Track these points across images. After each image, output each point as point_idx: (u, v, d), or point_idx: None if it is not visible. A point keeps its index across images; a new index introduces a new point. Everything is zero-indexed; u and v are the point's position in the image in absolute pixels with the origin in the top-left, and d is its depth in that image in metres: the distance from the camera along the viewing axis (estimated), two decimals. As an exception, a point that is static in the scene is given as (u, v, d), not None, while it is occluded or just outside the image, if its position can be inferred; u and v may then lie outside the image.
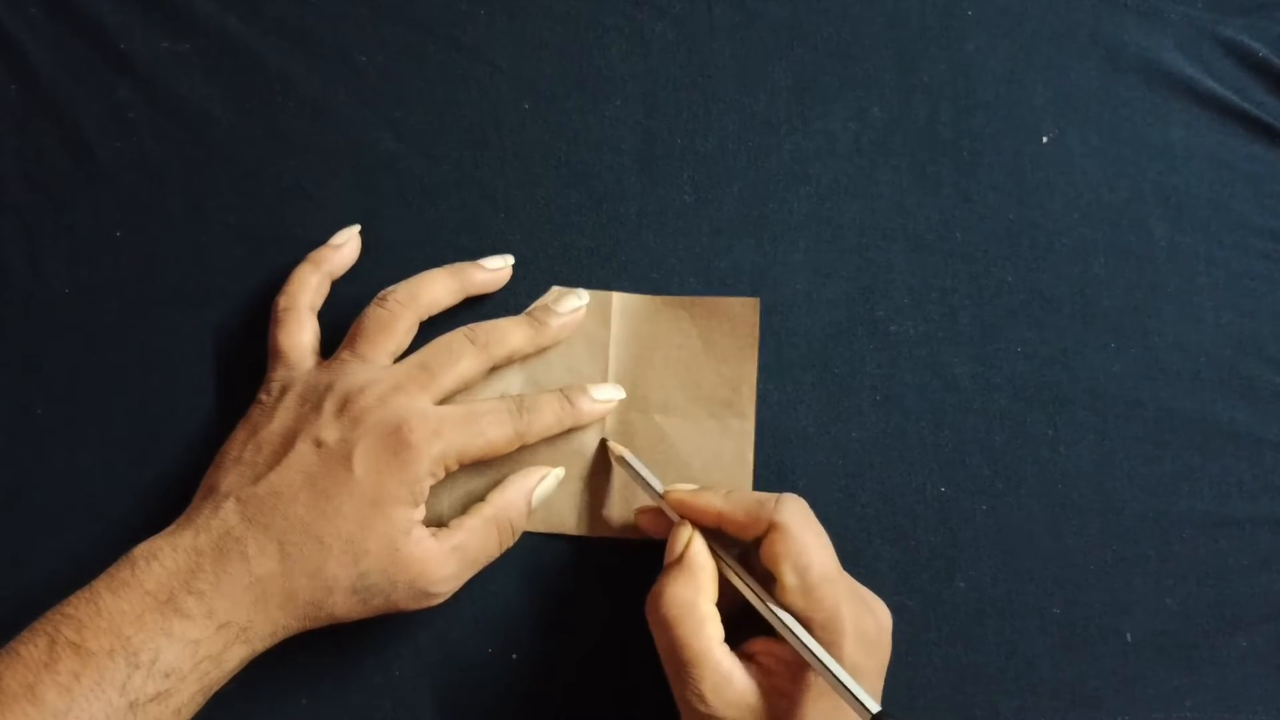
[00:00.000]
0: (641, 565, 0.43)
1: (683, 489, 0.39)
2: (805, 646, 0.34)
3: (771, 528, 0.36)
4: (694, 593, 0.36)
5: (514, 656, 0.42)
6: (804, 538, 0.36)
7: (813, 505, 0.44)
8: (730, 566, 0.37)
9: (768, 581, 0.37)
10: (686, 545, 0.38)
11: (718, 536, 0.38)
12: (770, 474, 0.44)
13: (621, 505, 0.43)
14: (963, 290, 0.46)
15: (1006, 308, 0.46)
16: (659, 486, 0.40)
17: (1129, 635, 0.44)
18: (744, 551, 0.39)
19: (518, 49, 0.47)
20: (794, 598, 0.35)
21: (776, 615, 0.35)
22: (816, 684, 0.35)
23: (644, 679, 0.42)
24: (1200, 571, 0.45)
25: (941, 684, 0.43)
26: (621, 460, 0.42)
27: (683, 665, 0.35)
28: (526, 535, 0.42)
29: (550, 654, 0.43)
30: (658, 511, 0.40)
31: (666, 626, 0.36)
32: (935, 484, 0.45)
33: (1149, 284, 0.47)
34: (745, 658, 0.36)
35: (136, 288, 0.44)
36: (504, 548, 0.40)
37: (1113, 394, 0.46)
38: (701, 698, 0.35)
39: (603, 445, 0.43)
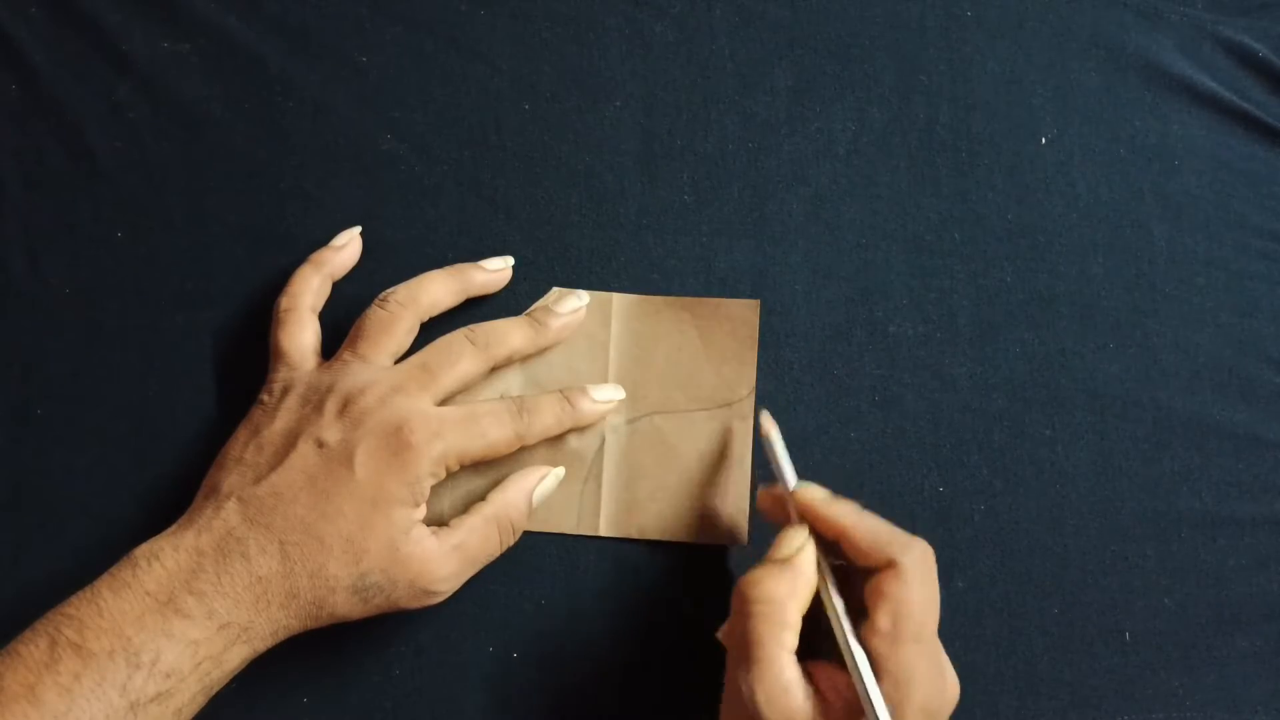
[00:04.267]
0: (642, 565, 0.43)
1: (817, 492, 0.38)
2: (869, 697, 0.33)
3: (889, 565, 0.35)
4: (788, 595, 0.35)
5: (514, 656, 0.43)
6: (916, 589, 0.34)
7: (812, 505, 0.44)
8: (829, 590, 0.36)
9: (860, 613, 0.35)
10: (798, 551, 0.36)
11: (828, 547, 0.37)
12: (770, 474, 0.44)
13: (620, 505, 0.43)
14: (961, 291, 0.46)
15: (1005, 308, 0.46)
16: (792, 481, 0.39)
17: (1128, 635, 0.44)
18: (847, 569, 0.37)
19: (518, 49, 0.47)
20: (880, 643, 0.34)
21: (853, 654, 0.34)
22: None
23: (644, 679, 0.42)
24: (1200, 571, 0.45)
25: (941, 684, 0.43)
26: (766, 439, 0.40)
27: (749, 659, 0.34)
28: (526, 535, 0.42)
29: (550, 654, 0.43)
30: (780, 497, 0.39)
31: (749, 617, 0.35)
32: (934, 484, 0.45)
33: (1148, 284, 0.47)
34: (806, 676, 0.35)
35: (136, 288, 0.44)
36: (505, 547, 0.41)
37: (1111, 394, 0.46)
38: (753, 698, 0.34)
39: (756, 420, 0.43)
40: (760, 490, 0.41)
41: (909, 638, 0.34)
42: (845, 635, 0.35)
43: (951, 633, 0.43)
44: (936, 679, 0.35)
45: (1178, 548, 0.45)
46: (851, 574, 0.37)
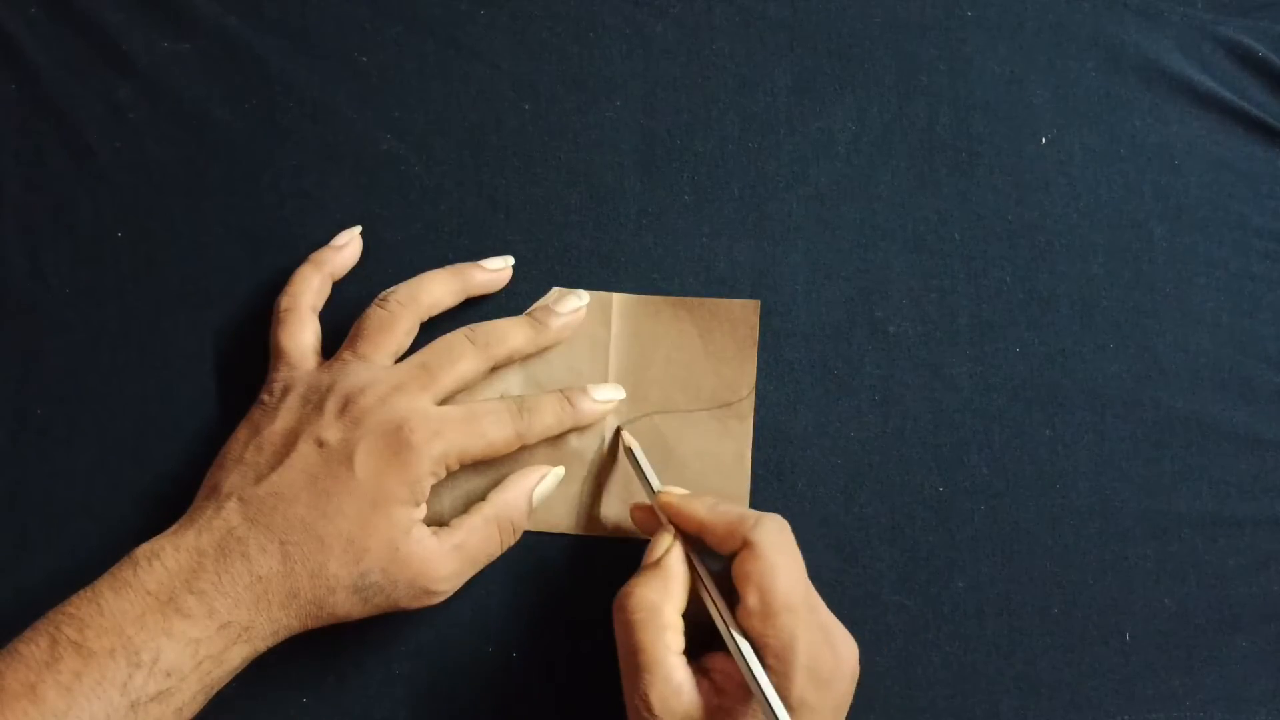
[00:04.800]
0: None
1: (674, 493, 0.39)
2: (752, 674, 0.34)
3: (744, 545, 0.36)
4: (662, 598, 0.36)
5: (514, 656, 0.43)
6: (774, 560, 0.35)
7: (811, 505, 0.44)
8: (702, 580, 0.37)
9: (735, 599, 0.36)
10: (666, 552, 0.38)
11: (702, 546, 0.38)
12: (769, 474, 0.44)
13: (620, 505, 0.43)
14: (961, 290, 0.46)
15: (1005, 308, 0.46)
16: (656, 486, 0.40)
17: (1128, 635, 0.44)
18: (724, 566, 0.38)
19: (518, 49, 0.47)
20: (753, 621, 0.35)
21: (733, 637, 0.35)
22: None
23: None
24: (1200, 571, 0.45)
25: (941, 684, 0.43)
26: (629, 452, 0.42)
27: (636, 668, 0.35)
28: (526, 535, 0.42)
29: (550, 654, 0.43)
30: (651, 510, 0.40)
31: (628, 627, 0.36)
32: (934, 484, 0.45)
33: (1148, 284, 0.47)
34: (701, 671, 0.36)
35: (136, 288, 0.44)
36: (505, 546, 0.41)
37: (1111, 394, 0.46)
38: (648, 704, 0.34)
39: (616, 433, 0.43)
40: (631, 506, 0.42)
41: (779, 609, 0.35)
42: (724, 625, 0.35)
43: (951, 633, 0.44)
44: (819, 643, 0.35)
45: (1178, 548, 0.45)
46: (727, 566, 0.37)
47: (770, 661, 0.35)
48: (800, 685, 0.34)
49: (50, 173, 0.45)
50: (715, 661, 0.36)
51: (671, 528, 0.38)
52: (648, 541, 0.43)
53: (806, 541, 0.43)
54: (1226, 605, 0.45)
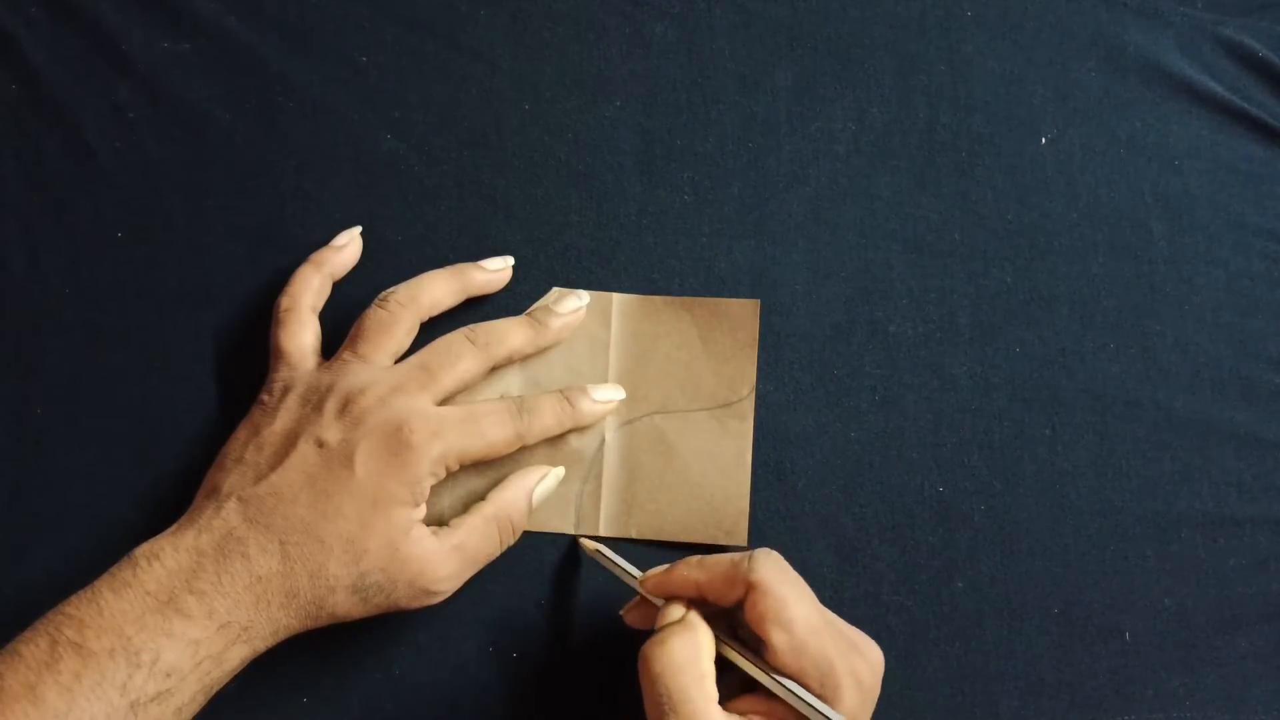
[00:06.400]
0: (641, 565, 0.43)
1: (656, 572, 0.38)
2: (817, 711, 0.33)
3: (749, 589, 0.35)
4: (695, 649, 0.35)
5: (514, 656, 0.43)
6: (783, 592, 0.35)
7: (811, 505, 0.44)
8: (724, 640, 0.36)
9: (756, 644, 0.36)
10: (685, 615, 0.36)
11: (705, 605, 0.37)
12: (769, 474, 0.44)
13: (620, 505, 0.43)
14: (961, 291, 0.46)
15: (1005, 308, 0.46)
16: (636, 574, 0.39)
17: (1128, 635, 0.44)
18: (729, 616, 0.37)
19: (518, 49, 0.47)
20: (786, 658, 0.34)
21: (781, 684, 0.34)
22: None
23: (644, 679, 0.42)
24: (1200, 571, 0.45)
25: (941, 684, 0.43)
26: (598, 553, 0.42)
27: (679, 718, 0.33)
28: (526, 535, 0.42)
29: (550, 654, 0.43)
30: (641, 605, 0.39)
31: (665, 678, 0.34)
32: (934, 484, 0.45)
33: (1148, 284, 0.47)
34: (738, 714, 0.34)
35: (136, 288, 0.44)
36: (505, 546, 0.41)
37: (1111, 394, 0.46)
38: None
39: (574, 543, 0.43)
40: (622, 613, 0.40)
41: (806, 637, 0.34)
42: (762, 674, 0.35)
43: (951, 633, 0.44)
44: (849, 651, 0.35)
45: (1178, 548, 0.45)
46: (734, 615, 0.37)
47: (817, 692, 0.34)
48: (851, 703, 0.34)
49: (50, 173, 0.45)
50: (745, 704, 0.35)
51: (680, 602, 0.37)
52: (649, 542, 0.43)
53: (806, 541, 0.44)
54: (1226, 605, 0.45)
